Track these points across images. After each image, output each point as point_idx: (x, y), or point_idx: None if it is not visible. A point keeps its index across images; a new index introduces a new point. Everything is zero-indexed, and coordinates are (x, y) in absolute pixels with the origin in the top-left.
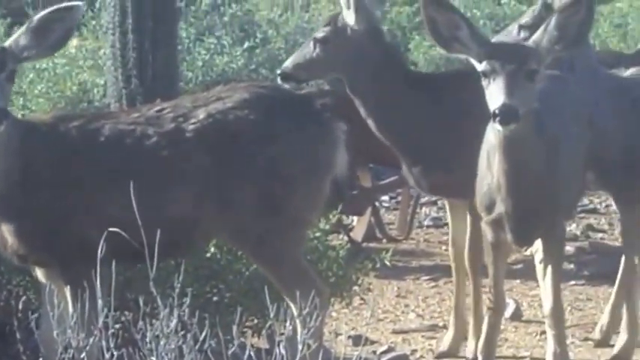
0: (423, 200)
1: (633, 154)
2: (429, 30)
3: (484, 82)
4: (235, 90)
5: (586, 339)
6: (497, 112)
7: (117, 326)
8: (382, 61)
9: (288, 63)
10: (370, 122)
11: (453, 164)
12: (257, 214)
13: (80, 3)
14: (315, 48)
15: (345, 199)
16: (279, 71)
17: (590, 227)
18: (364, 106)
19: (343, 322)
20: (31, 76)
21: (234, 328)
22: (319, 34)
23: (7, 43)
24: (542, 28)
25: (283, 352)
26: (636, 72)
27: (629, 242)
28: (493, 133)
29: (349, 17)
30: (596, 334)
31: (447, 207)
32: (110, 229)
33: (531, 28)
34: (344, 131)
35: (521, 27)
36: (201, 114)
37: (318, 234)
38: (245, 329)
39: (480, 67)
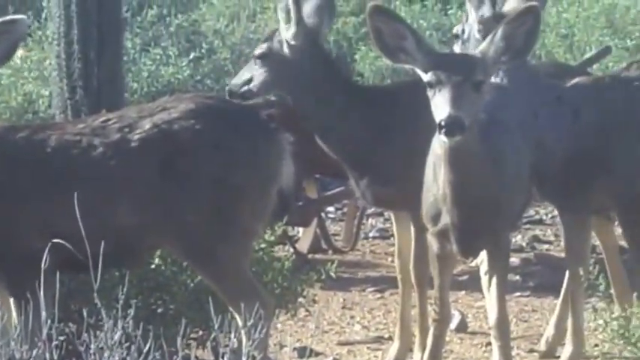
0: (369, 211)
1: (574, 166)
2: (375, 40)
3: (429, 93)
4: (181, 100)
5: (531, 350)
6: (442, 123)
7: (61, 338)
8: (323, 76)
9: (233, 80)
10: (316, 135)
11: (398, 177)
12: (203, 225)
13: (24, 17)
14: (255, 65)
15: (290, 210)
16: (227, 88)
17: (535, 238)
18: (308, 121)
19: (288, 334)
20: None
21: (179, 339)
22: (257, 51)
23: None
24: (488, 38)
25: None
26: (579, 82)
27: (573, 253)
28: (439, 144)
29: (287, 33)
30: (542, 346)
31: (393, 218)
32: (55, 240)
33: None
34: (290, 142)
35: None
36: (146, 124)
37: (263, 245)
38: (189, 341)
39: (426, 77)
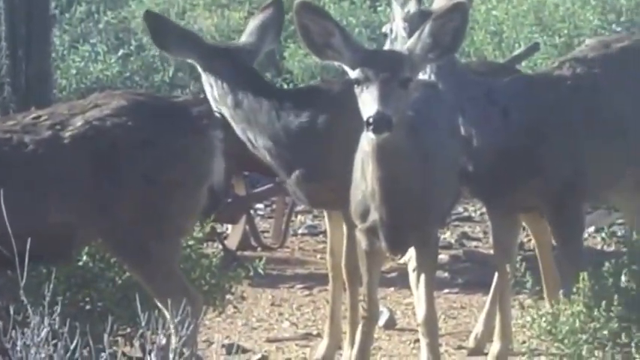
0: (298, 208)
1: (501, 164)
2: (302, 37)
3: (357, 90)
4: (112, 97)
5: (460, 347)
6: (370, 120)
7: None
8: (242, 85)
9: None
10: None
11: (327, 175)
12: (134, 221)
13: None
14: None
15: (220, 207)
16: None
17: (464, 235)
18: (234, 126)
19: (216, 331)
20: None
21: (106, 336)
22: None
23: None
24: (416, 35)
25: None
26: (509, 80)
27: (500, 250)
28: (367, 142)
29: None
30: (470, 343)
31: (325, 216)
32: None
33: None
34: (221, 139)
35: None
36: (78, 121)
37: (191, 242)
38: (117, 338)
39: (353, 74)
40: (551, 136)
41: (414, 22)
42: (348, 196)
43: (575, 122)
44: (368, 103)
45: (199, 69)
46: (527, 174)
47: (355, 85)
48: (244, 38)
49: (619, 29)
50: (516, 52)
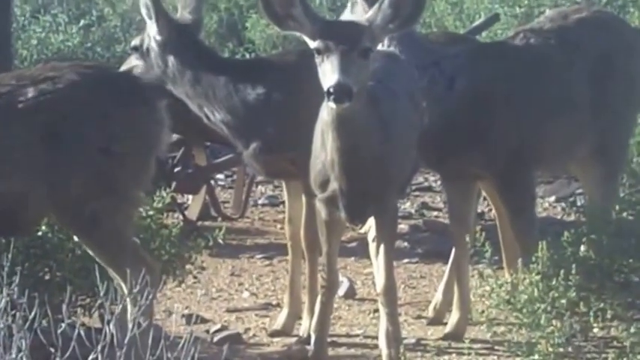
0: (258, 179)
1: (447, 131)
2: (263, 7)
3: (317, 60)
4: (61, 70)
5: (419, 317)
6: (331, 90)
7: None
8: (195, 66)
9: (121, 68)
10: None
11: (284, 147)
12: (87, 193)
13: None
14: (132, 55)
15: (179, 177)
16: None
17: (424, 205)
18: (191, 104)
19: (176, 301)
20: None
21: (65, 307)
22: (132, 42)
23: None
24: (376, 6)
25: (113, 330)
26: (458, 50)
27: (456, 220)
28: (327, 111)
29: (151, 28)
30: (430, 312)
31: (284, 186)
32: None
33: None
34: (168, 109)
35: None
36: (29, 93)
37: (151, 212)
38: (76, 308)
39: (314, 44)
40: (495, 105)
41: None
42: (306, 167)
43: (521, 92)
44: (328, 73)
45: (154, 45)
46: (472, 142)
47: (315, 56)
48: (183, 11)
49: (579, 0)
50: (476, 23)
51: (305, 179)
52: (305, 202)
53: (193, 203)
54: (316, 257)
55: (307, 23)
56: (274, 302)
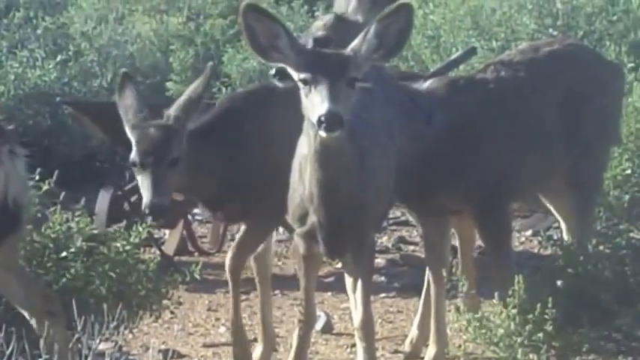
0: None
1: (427, 168)
2: (248, 39)
3: (303, 91)
4: None
5: (396, 351)
6: (322, 118)
7: None
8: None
9: None
10: None
11: (244, 194)
12: None
13: None
14: None
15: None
16: None
17: (401, 239)
18: None
19: (153, 336)
20: None
21: (42, 341)
22: None
23: None
24: (361, 36)
25: None
26: (433, 84)
27: (432, 254)
28: (309, 143)
29: None
30: (406, 347)
31: None
32: None
33: (326, 40)
34: (12, 153)
35: (316, 40)
36: None
37: (127, 247)
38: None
39: (300, 75)
40: (472, 139)
41: (332, 28)
42: (259, 207)
43: (496, 126)
44: (317, 103)
45: None
46: (451, 177)
47: (301, 87)
48: None
49: (555, 33)
50: (453, 56)
51: (261, 217)
52: (245, 229)
53: (170, 238)
54: (268, 288)
55: (292, 55)
56: (251, 337)
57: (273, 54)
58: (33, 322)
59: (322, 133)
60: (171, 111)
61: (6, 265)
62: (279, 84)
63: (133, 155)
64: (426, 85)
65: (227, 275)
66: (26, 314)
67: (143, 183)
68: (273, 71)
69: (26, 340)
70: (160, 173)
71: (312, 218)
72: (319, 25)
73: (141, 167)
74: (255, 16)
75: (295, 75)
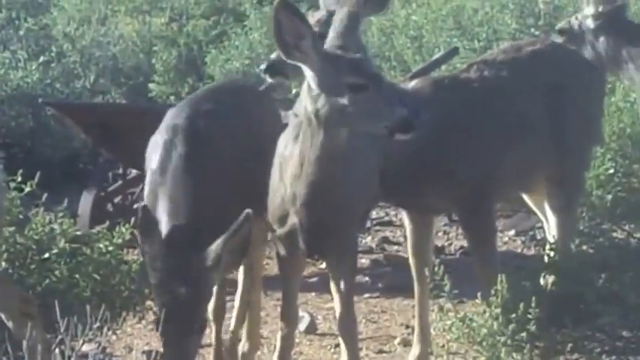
0: None
1: (411, 167)
2: (275, 33)
3: (349, 96)
4: None
5: (380, 351)
6: (412, 120)
7: None
8: None
9: None
10: None
11: None
12: None
13: None
14: None
15: (127, 213)
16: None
17: (385, 240)
18: None
19: (137, 337)
20: None
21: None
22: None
23: None
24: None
25: None
26: (417, 85)
27: (416, 254)
28: (305, 145)
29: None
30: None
31: None
32: None
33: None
34: None
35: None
36: None
37: (110, 248)
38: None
39: (349, 80)
40: (457, 139)
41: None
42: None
43: (480, 125)
44: (386, 106)
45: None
46: (436, 177)
47: (347, 92)
48: None
49: (537, 33)
50: (436, 57)
51: None
52: None
53: None
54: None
55: (315, 57)
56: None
57: (295, 53)
58: (10, 324)
59: (403, 137)
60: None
61: None
62: (270, 79)
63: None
64: (411, 85)
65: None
66: (3, 316)
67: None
68: (263, 66)
69: (9, 342)
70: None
71: (293, 219)
72: (313, 22)
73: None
74: (286, 13)
75: (310, 76)
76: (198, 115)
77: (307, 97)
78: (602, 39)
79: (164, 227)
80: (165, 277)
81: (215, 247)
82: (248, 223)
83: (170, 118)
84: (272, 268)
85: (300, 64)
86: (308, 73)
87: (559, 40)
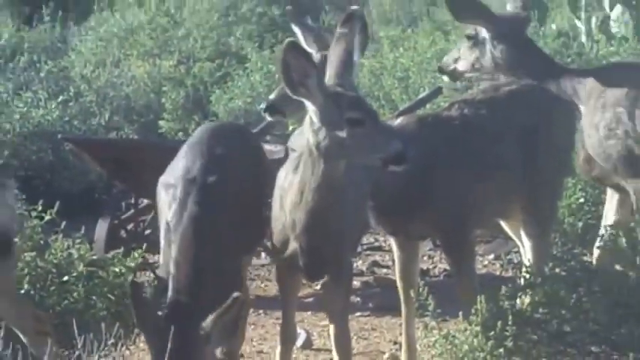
0: None
1: (400, 198)
2: (282, 71)
3: (348, 129)
4: None
5: None
6: (404, 153)
7: None
8: None
9: None
10: None
11: None
12: None
13: None
14: None
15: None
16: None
17: (375, 263)
18: None
19: (148, 353)
20: None
21: (46, 357)
22: None
23: None
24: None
25: None
26: (403, 122)
27: (403, 277)
28: (305, 176)
29: None
30: None
31: None
32: None
33: None
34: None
35: None
36: None
37: (124, 271)
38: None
39: (349, 115)
40: (440, 173)
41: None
42: None
43: (460, 160)
44: (380, 140)
45: None
46: (423, 206)
47: (348, 126)
48: None
49: None
50: (421, 96)
51: None
52: None
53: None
54: None
55: (318, 94)
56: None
57: (300, 89)
58: (26, 340)
59: (397, 168)
60: None
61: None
62: (269, 118)
63: None
64: (398, 122)
65: None
66: (19, 333)
67: None
68: (263, 106)
69: (31, 357)
70: None
71: (294, 244)
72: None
73: None
74: (294, 53)
75: (314, 112)
76: (210, 163)
77: (309, 130)
78: (500, 47)
79: (170, 287)
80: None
81: (206, 324)
82: (237, 306)
83: (184, 166)
84: (271, 289)
85: (304, 100)
86: (311, 108)
87: (467, 44)
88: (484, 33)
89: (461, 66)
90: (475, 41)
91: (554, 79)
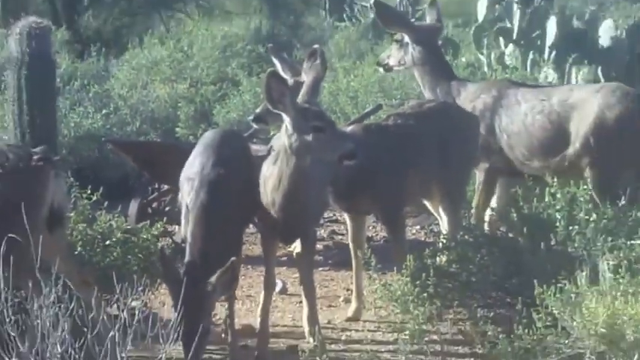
0: None
1: (351, 185)
2: (266, 92)
3: (313, 136)
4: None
5: (329, 306)
6: (352, 151)
7: None
8: None
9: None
10: None
11: None
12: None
13: None
14: None
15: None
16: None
17: (333, 232)
18: None
19: (168, 296)
20: None
21: (94, 300)
22: None
23: None
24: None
25: (125, 316)
26: (353, 129)
27: (354, 241)
28: (281, 168)
29: None
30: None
31: None
32: None
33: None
34: (55, 173)
35: None
36: None
37: (150, 237)
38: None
39: (314, 123)
40: (380, 167)
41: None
42: None
43: (395, 158)
44: (338, 141)
45: None
46: (366, 192)
47: (313, 132)
48: None
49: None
50: (366, 110)
51: None
52: None
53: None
54: None
55: (291, 109)
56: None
57: (278, 105)
58: (73, 287)
59: (349, 162)
60: None
61: (55, 247)
62: (255, 126)
63: None
64: (349, 129)
65: None
66: (68, 282)
67: None
68: (251, 117)
69: (83, 300)
70: None
71: (273, 217)
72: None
73: None
74: (274, 79)
75: (288, 121)
76: (219, 161)
77: (285, 135)
78: (417, 49)
79: (187, 252)
80: (178, 299)
81: (211, 280)
82: (232, 269)
83: (200, 163)
84: (255, 250)
85: (281, 113)
86: (286, 119)
87: (396, 46)
88: (407, 38)
89: (391, 62)
90: (401, 44)
91: (447, 80)
